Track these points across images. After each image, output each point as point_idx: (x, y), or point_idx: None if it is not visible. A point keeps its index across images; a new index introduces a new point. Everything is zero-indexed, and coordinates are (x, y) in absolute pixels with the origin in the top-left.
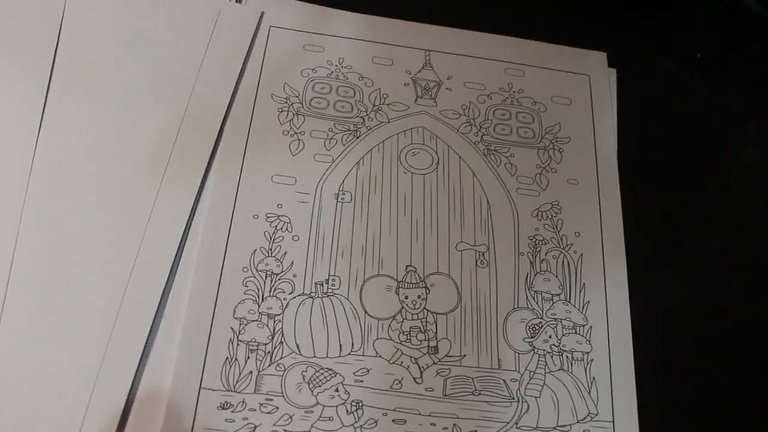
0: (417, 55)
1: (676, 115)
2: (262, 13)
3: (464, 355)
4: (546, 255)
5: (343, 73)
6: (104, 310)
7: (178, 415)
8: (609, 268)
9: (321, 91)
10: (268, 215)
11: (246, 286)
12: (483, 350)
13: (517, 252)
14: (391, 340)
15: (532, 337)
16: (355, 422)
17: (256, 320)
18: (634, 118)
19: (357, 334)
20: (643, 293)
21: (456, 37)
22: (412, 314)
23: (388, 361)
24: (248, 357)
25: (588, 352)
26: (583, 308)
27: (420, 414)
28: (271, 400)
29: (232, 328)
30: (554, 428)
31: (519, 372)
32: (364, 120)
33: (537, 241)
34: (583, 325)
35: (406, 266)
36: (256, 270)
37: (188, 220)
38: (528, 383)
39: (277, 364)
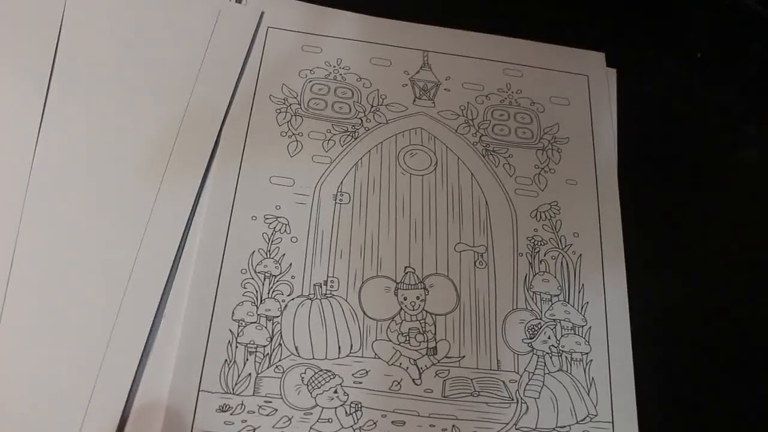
0: (415, 55)
1: (676, 115)
2: (262, 13)
3: (463, 356)
4: (545, 256)
5: (341, 74)
6: (104, 310)
7: (177, 417)
8: (608, 268)
9: (319, 92)
10: (266, 217)
11: (244, 288)
12: (482, 351)
13: (516, 253)
14: (390, 341)
15: (531, 338)
16: (354, 424)
17: (255, 322)
18: (634, 118)
19: (356, 336)
20: (643, 293)
21: (454, 37)
22: (411, 315)
23: (387, 363)
24: (247, 359)
25: (587, 353)
26: (582, 309)
27: (419, 415)
28: (270, 402)
29: (230, 330)
30: (554, 429)
31: (518, 373)
32: (362, 121)
33: (536, 242)
34: (582, 326)
35: (405, 267)
36: (255, 272)
37: (188, 221)
38: (527, 384)
39: (276, 366)
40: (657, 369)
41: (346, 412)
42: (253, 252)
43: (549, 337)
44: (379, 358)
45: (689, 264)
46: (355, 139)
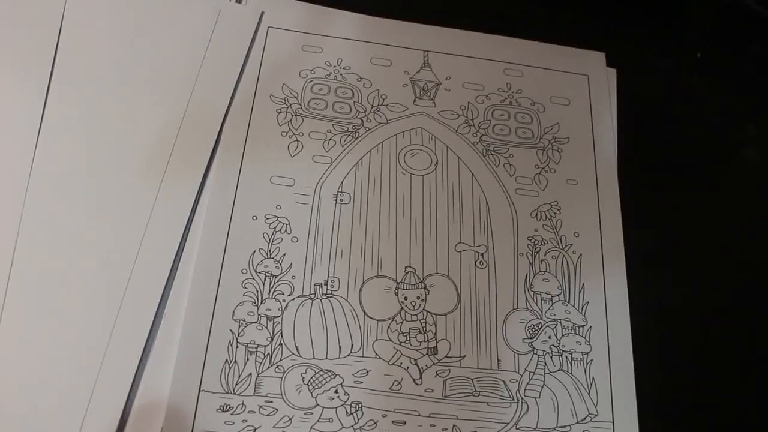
0: (415, 55)
1: (676, 115)
2: (262, 13)
3: (464, 356)
4: (545, 255)
5: (341, 74)
6: (104, 310)
7: (177, 417)
8: (608, 268)
9: (319, 92)
10: (267, 216)
11: (245, 287)
12: (482, 351)
13: (516, 252)
14: (391, 341)
15: (531, 338)
16: (355, 423)
17: (256, 322)
18: (634, 118)
19: (356, 336)
20: (643, 293)
21: (454, 37)
22: (412, 315)
23: (388, 363)
24: (247, 359)
25: (587, 353)
26: (582, 309)
27: (419, 415)
28: (271, 402)
29: (231, 330)
30: (554, 429)
31: (518, 373)
32: (362, 121)
33: (536, 242)
34: (583, 326)
35: (405, 267)
36: (255, 272)
37: (188, 221)
38: (528, 384)
39: (277, 366)
40: (657, 369)
41: (347, 412)
42: (254, 252)
43: (549, 337)
44: (380, 357)
45: (689, 264)
46: (356, 139)
